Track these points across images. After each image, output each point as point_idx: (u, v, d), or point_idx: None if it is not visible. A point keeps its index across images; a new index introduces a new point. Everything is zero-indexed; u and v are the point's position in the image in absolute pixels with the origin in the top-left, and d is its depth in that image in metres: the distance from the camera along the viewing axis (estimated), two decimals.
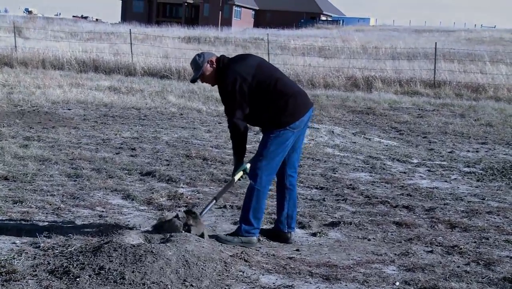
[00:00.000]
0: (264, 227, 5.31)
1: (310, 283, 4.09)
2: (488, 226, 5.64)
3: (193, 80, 4.84)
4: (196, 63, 4.74)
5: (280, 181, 4.99)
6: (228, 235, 4.81)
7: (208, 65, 4.74)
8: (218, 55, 4.86)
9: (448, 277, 4.25)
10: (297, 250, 4.83)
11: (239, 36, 39.71)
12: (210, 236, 4.74)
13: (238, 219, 5.05)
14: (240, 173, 4.82)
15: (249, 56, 4.94)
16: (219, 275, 4.07)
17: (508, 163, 8.76)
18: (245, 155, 4.85)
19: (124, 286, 3.75)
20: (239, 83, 4.60)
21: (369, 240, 5.17)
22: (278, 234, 5.03)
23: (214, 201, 4.90)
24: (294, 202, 5.04)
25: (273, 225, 5.28)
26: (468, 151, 9.86)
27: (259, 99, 4.66)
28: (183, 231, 4.48)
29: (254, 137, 9.23)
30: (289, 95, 4.72)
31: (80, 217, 5.43)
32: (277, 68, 4.99)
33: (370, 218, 5.79)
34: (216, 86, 4.81)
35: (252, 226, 4.78)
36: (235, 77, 4.61)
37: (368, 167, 8.25)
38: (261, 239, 5.00)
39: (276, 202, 5.13)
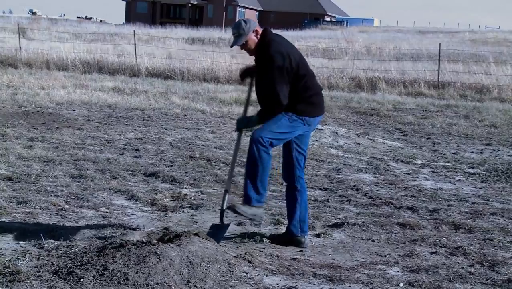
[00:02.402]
0: (267, 228, 5.31)
1: (314, 284, 4.08)
2: (492, 227, 5.63)
3: (233, 46, 4.71)
4: (242, 29, 4.60)
5: (291, 184, 4.92)
6: (241, 204, 4.69)
7: (253, 34, 4.64)
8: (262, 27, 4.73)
9: (452, 279, 4.24)
10: (301, 251, 4.83)
11: None
12: (228, 207, 4.73)
13: (242, 220, 5.01)
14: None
15: (292, 44, 4.88)
16: (223, 276, 4.07)
17: None
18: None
19: (128, 286, 3.75)
20: (287, 61, 4.55)
21: (373, 241, 5.16)
22: (291, 239, 4.92)
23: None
24: (306, 205, 4.96)
25: (276, 229, 5.26)
26: (472, 152, 9.84)
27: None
28: None
29: None
30: (315, 92, 4.79)
31: (84, 217, 5.44)
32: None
33: (374, 219, 5.78)
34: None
35: (260, 194, 4.67)
36: (284, 54, 4.56)
37: (372, 168, 8.24)
38: (265, 240, 4.99)
39: (286, 207, 5.05)
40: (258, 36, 4.65)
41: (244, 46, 4.67)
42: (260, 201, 4.69)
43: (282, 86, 4.54)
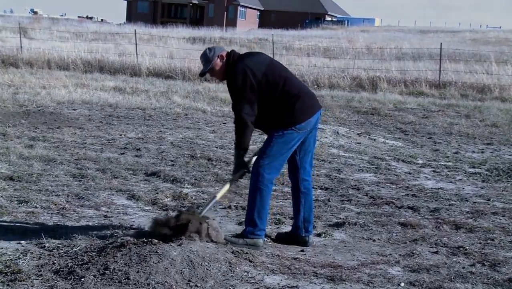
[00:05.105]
0: (267, 228, 5.30)
1: (315, 283, 4.08)
2: (493, 226, 5.62)
3: (201, 74, 4.82)
4: (206, 57, 4.70)
5: (295, 186, 4.94)
6: (234, 237, 4.78)
7: (218, 59, 4.70)
8: (229, 50, 4.82)
9: (453, 278, 4.24)
10: (302, 250, 4.83)
11: (244, 36, 39.79)
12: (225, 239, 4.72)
13: (243, 220, 5.02)
14: (241, 172, 4.75)
15: (260, 54, 4.90)
16: (224, 275, 4.07)
17: None
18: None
19: (129, 286, 3.75)
20: (249, 78, 4.55)
21: (374, 240, 5.16)
22: (296, 238, 4.97)
23: (215, 198, 4.76)
24: (310, 206, 4.98)
25: (277, 228, 5.25)
26: (473, 152, 9.83)
27: (265, 99, 4.60)
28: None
29: (259, 138, 9.22)
30: (296, 97, 4.65)
31: (85, 217, 5.44)
32: (286, 69, 4.88)
33: (375, 219, 5.78)
34: (222, 86, 4.77)
35: (256, 226, 4.72)
36: (245, 71, 4.56)
37: (373, 167, 8.23)
38: (266, 239, 4.98)
39: (292, 207, 5.08)
40: (224, 60, 4.72)
41: (211, 73, 4.77)
42: (254, 233, 4.73)
43: (246, 105, 4.56)
